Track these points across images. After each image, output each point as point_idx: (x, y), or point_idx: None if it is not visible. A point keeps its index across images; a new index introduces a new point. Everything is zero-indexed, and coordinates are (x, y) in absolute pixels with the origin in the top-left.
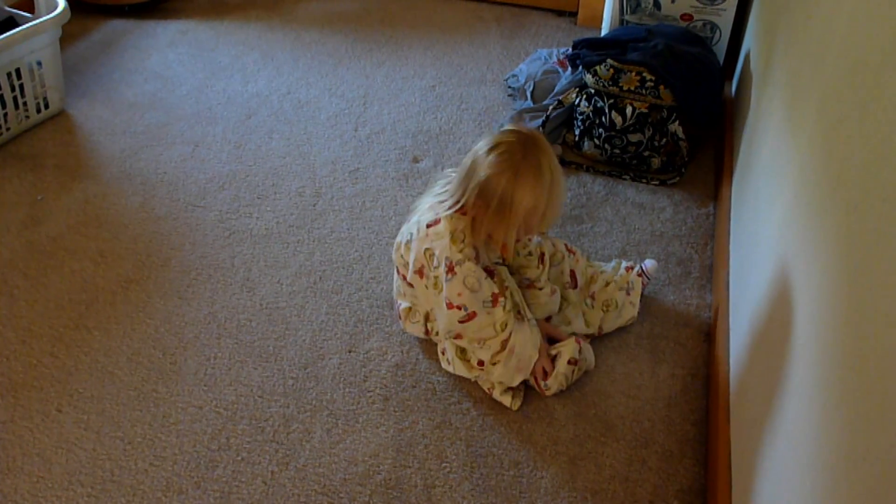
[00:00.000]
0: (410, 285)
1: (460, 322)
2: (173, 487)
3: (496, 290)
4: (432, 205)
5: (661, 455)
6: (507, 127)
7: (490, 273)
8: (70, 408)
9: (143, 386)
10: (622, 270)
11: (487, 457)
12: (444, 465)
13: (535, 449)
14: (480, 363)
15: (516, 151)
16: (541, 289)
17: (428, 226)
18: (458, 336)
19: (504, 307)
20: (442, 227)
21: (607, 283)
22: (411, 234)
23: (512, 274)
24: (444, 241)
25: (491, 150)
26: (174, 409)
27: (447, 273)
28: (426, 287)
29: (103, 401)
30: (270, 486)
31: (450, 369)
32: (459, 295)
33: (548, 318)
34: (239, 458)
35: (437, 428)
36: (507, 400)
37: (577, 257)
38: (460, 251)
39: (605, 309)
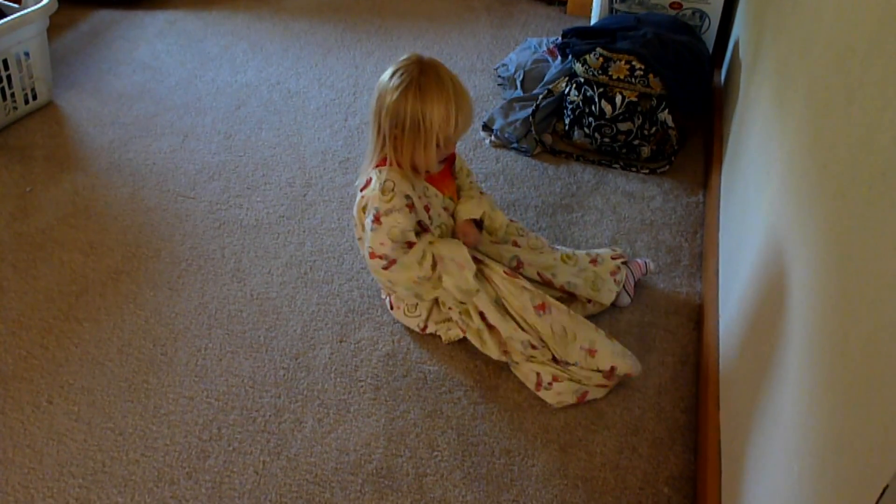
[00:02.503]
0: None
1: (383, 269)
2: (165, 478)
3: (414, 240)
4: (361, 170)
5: (652, 442)
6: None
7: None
8: (61, 399)
9: (134, 377)
10: (607, 251)
11: (479, 445)
12: (435, 453)
13: (527, 437)
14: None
15: (413, 69)
16: (462, 199)
17: (361, 189)
18: (392, 291)
19: (418, 245)
20: (374, 183)
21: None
22: (354, 212)
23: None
24: (376, 194)
25: (391, 77)
26: (165, 400)
27: (373, 223)
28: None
29: (94, 392)
30: (262, 476)
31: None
32: (382, 244)
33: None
34: (230, 448)
35: (428, 417)
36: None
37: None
38: (388, 200)
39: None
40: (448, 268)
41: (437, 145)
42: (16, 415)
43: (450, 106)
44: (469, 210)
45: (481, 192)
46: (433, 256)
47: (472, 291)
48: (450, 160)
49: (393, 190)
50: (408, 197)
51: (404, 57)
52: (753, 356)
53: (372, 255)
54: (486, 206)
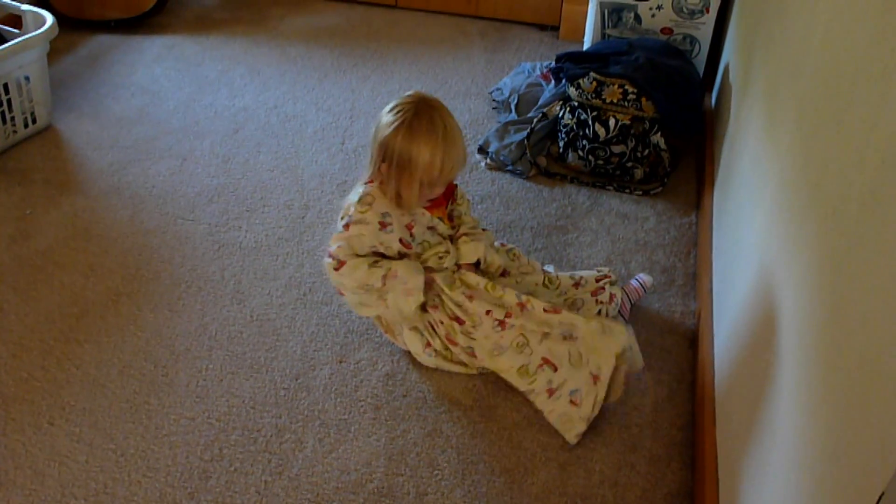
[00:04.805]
0: None
1: (335, 270)
2: (167, 499)
3: (376, 260)
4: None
5: (649, 459)
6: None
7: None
8: (62, 420)
9: (135, 398)
10: (593, 273)
11: (478, 464)
12: (435, 472)
13: (525, 455)
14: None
15: (409, 110)
16: (459, 237)
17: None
18: (340, 292)
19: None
20: (354, 194)
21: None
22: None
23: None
24: (353, 203)
25: (388, 111)
26: (166, 421)
27: (343, 227)
28: None
29: (95, 413)
30: (264, 496)
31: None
32: (339, 247)
33: None
34: (232, 468)
35: (428, 436)
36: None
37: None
38: (363, 212)
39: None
40: (395, 287)
41: (421, 185)
42: (17, 436)
43: (436, 151)
44: (467, 254)
45: (482, 230)
46: (388, 270)
47: (409, 318)
48: (446, 193)
49: (370, 204)
50: (384, 215)
51: (408, 93)
52: (749, 373)
53: (330, 255)
54: (483, 248)
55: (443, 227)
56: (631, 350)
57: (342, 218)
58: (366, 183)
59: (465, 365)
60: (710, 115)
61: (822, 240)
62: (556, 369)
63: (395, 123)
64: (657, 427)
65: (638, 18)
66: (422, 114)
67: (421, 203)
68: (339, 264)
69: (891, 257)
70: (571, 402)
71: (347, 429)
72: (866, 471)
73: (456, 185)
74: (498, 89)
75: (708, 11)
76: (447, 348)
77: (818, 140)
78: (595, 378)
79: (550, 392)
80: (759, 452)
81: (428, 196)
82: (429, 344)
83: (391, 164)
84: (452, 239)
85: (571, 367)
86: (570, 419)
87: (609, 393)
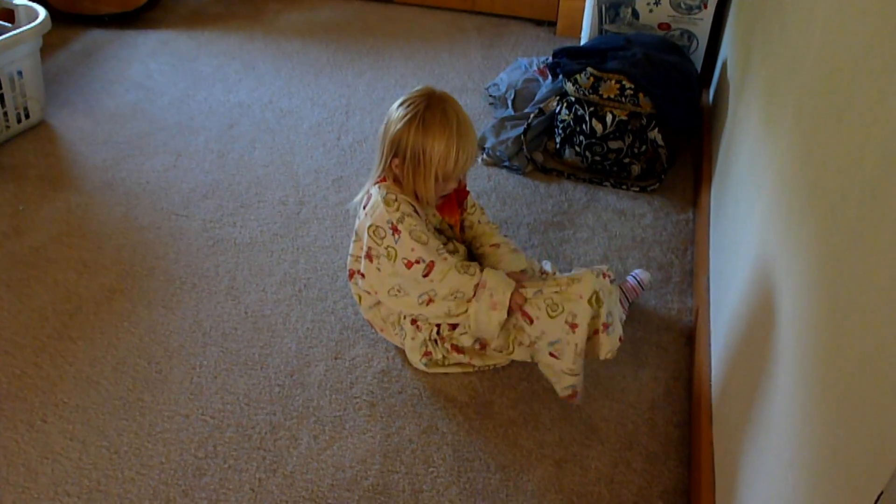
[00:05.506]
0: (363, 275)
1: (424, 276)
2: (160, 496)
3: (442, 246)
4: (364, 188)
5: (646, 457)
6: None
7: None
8: (55, 418)
9: (129, 395)
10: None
11: (474, 461)
12: (431, 469)
13: (521, 453)
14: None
15: (420, 103)
16: (499, 245)
17: (364, 207)
18: (430, 301)
19: (455, 256)
20: (374, 198)
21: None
22: (356, 229)
23: (470, 245)
24: (381, 209)
25: (398, 107)
26: (160, 418)
27: (394, 235)
28: (377, 269)
29: (89, 410)
30: (258, 494)
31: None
32: (413, 250)
33: None
34: (226, 465)
35: (423, 433)
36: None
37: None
38: (397, 209)
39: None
40: (482, 297)
41: (437, 179)
42: (10, 434)
43: (451, 143)
44: (513, 263)
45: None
46: (479, 280)
47: (489, 333)
48: (460, 195)
49: (396, 199)
50: (411, 205)
51: (417, 88)
52: (745, 370)
53: (409, 265)
54: (522, 259)
55: (451, 234)
56: (605, 291)
57: (372, 232)
58: (377, 183)
59: (459, 365)
60: (708, 112)
61: (821, 237)
62: (531, 322)
63: (407, 117)
64: (653, 424)
65: (635, 14)
66: (434, 106)
67: (436, 199)
68: (428, 267)
69: (890, 255)
70: (551, 354)
71: (342, 426)
72: (865, 469)
73: (468, 193)
74: (494, 85)
75: (706, 7)
76: (444, 356)
77: (817, 137)
78: (573, 326)
79: (532, 344)
80: (755, 450)
81: (442, 191)
82: (427, 353)
83: (404, 159)
84: (474, 245)
85: (549, 319)
86: (554, 372)
87: (598, 348)
